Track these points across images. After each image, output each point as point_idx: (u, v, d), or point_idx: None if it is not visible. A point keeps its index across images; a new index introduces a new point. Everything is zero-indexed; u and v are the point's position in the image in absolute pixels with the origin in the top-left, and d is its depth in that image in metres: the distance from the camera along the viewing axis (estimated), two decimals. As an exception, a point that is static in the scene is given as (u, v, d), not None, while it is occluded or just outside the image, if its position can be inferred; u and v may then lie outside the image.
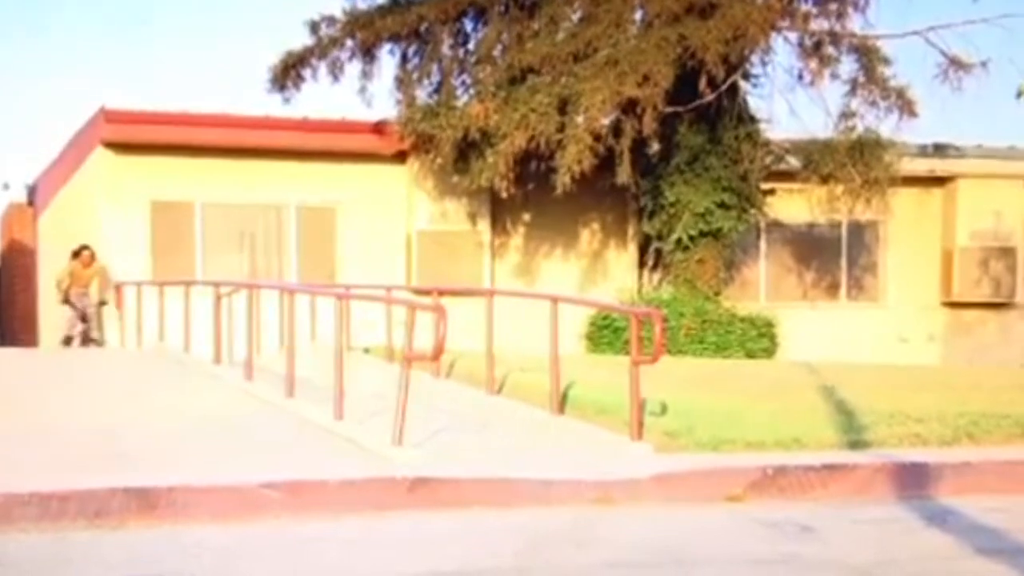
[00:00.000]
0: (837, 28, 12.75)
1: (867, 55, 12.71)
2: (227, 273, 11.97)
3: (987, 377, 10.54)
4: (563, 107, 11.96)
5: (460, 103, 12.70)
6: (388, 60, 13.15)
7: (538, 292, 10.71)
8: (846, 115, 12.93)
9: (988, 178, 15.06)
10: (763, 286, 15.02)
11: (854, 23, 12.78)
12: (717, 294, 13.44)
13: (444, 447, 6.16)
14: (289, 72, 12.89)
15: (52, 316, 13.66)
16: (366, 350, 10.45)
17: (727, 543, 4.81)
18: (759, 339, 13.17)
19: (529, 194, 13.56)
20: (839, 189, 13.09)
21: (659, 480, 5.58)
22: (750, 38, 11.91)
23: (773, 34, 12.63)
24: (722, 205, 13.15)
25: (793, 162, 13.53)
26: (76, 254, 12.90)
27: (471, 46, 13.13)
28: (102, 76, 34.16)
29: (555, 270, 14.22)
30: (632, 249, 14.57)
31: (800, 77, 12.96)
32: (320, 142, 13.33)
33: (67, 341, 13.08)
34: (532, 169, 12.75)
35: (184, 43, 38.22)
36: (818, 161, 13.11)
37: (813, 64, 12.91)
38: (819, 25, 12.86)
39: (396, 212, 13.74)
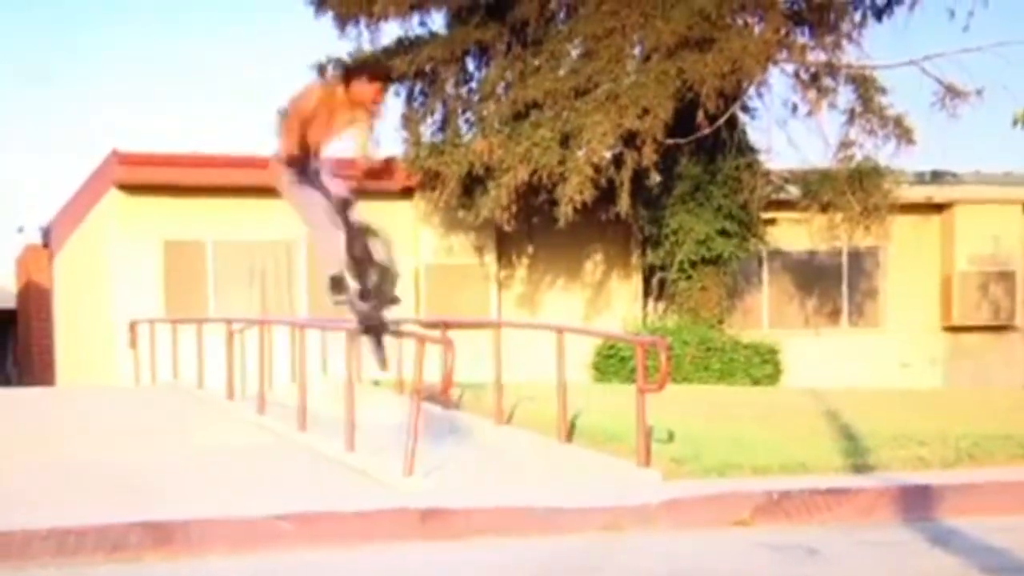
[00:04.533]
0: (833, 59, 12.97)
1: (864, 85, 12.92)
2: (239, 309, 12.11)
3: (989, 399, 10.59)
4: (565, 141, 12.17)
5: (464, 140, 12.92)
6: (393, 100, 13.41)
7: (545, 323, 10.81)
8: (844, 144, 13.11)
9: (985, 204, 15.22)
10: (766, 313, 15.13)
11: (850, 54, 13.03)
12: (721, 322, 13.56)
13: (454, 477, 6.25)
14: (297, 114, 13.11)
15: (68, 354, 13.74)
16: (376, 383, 10.54)
17: (735, 567, 4.88)
18: (763, 366, 13.27)
19: (533, 227, 13.74)
20: (839, 217, 13.24)
21: (667, 506, 5.64)
22: (747, 71, 12.13)
23: (770, 66, 12.86)
24: (723, 232, 13.32)
25: (793, 191, 13.70)
26: None
27: (474, 84, 13.39)
28: (117, 119, 34.63)
29: (560, 301, 14.35)
30: (636, 279, 14.72)
31: (796, 108, 13.19)
32: (328, 180, 13.51)
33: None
34: (536, 203, 12.93)
35: (195, 85, 38.68)
36: (817, 190, 13.28)
37: (811, 95, 13.13)
38: (816, 57, 13.08)
39: (403, 247, 13.87)
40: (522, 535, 5.31)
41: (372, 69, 6.07)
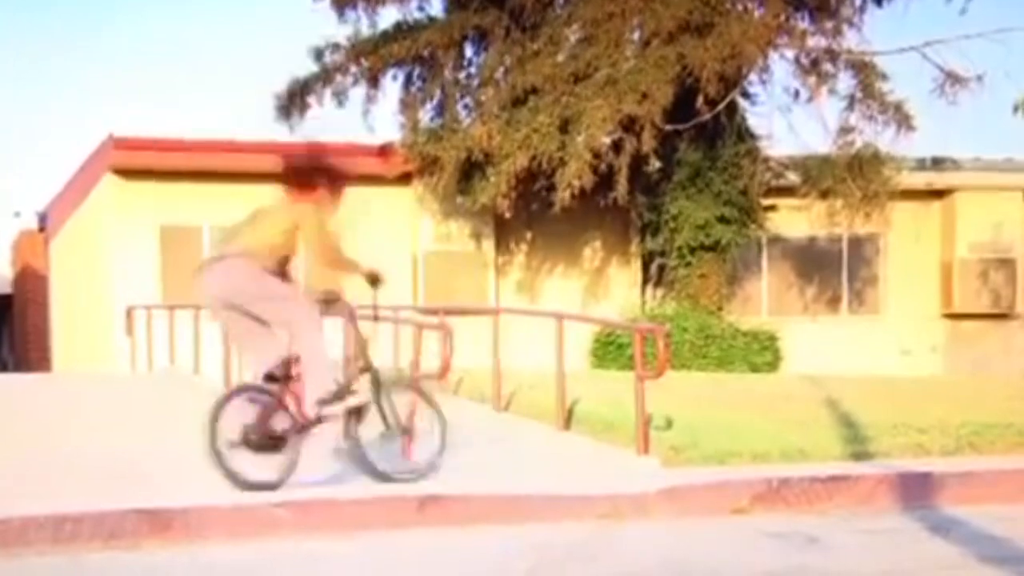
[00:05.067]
0: (834, 45, 12.92)
1: (864, 71, 12.87)
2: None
3: (989, 387, 10.59)
4: (564, 127, 12.12)
5: (463, 125, 12.87)
6: (392, 85, 13.37)
7: (543, 310, 10.80)
8: (844, 130, 13.08)
9: (986, 190, 15.20)
10: (765, 300, 15.13)
11: (850, 40, 12.98)
12: (720, 309, 13.56)
13: (452, 464, 6.23)
14: (295, 99, 13.10)
15: (64, 340, 13.72)
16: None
17: (734, 555, 4.87)
18: (762, 353, 13.27)
19: (532, 214, 13.71)
20: (839, 203, 13.22)
21: (666, 494, 5.63)
22: (746, 56, 12.08)
23: (770, 52, 12.80)
24: (722, 219, 13.30)
25: (793, 177, 13.68)
26: None
27: (473, 69, 13.35)
28: (112, 104, 34.53)
29: (559, 287, 14.34)
30: (635, 266, 14.70)
31: (797, 94, 13.14)
32: (325, 165, 13.46)
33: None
34: (534, 189, 12.90)
35: (191, 70, 38.56)
36: (817, 176, 13.26)
37: (811, 81, 13.08)
38: (816, 42, 13.04)
39: (401, 233, 13.87)
40: (520, 522, 5.30)
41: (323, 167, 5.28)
